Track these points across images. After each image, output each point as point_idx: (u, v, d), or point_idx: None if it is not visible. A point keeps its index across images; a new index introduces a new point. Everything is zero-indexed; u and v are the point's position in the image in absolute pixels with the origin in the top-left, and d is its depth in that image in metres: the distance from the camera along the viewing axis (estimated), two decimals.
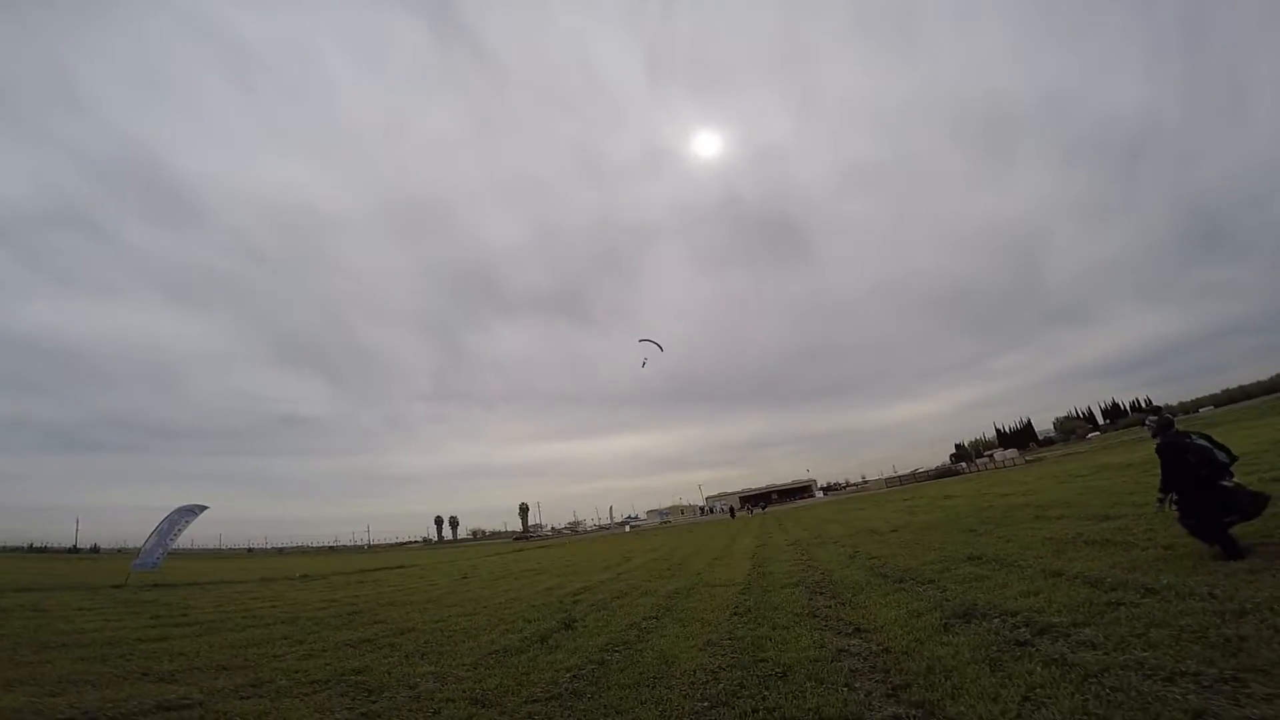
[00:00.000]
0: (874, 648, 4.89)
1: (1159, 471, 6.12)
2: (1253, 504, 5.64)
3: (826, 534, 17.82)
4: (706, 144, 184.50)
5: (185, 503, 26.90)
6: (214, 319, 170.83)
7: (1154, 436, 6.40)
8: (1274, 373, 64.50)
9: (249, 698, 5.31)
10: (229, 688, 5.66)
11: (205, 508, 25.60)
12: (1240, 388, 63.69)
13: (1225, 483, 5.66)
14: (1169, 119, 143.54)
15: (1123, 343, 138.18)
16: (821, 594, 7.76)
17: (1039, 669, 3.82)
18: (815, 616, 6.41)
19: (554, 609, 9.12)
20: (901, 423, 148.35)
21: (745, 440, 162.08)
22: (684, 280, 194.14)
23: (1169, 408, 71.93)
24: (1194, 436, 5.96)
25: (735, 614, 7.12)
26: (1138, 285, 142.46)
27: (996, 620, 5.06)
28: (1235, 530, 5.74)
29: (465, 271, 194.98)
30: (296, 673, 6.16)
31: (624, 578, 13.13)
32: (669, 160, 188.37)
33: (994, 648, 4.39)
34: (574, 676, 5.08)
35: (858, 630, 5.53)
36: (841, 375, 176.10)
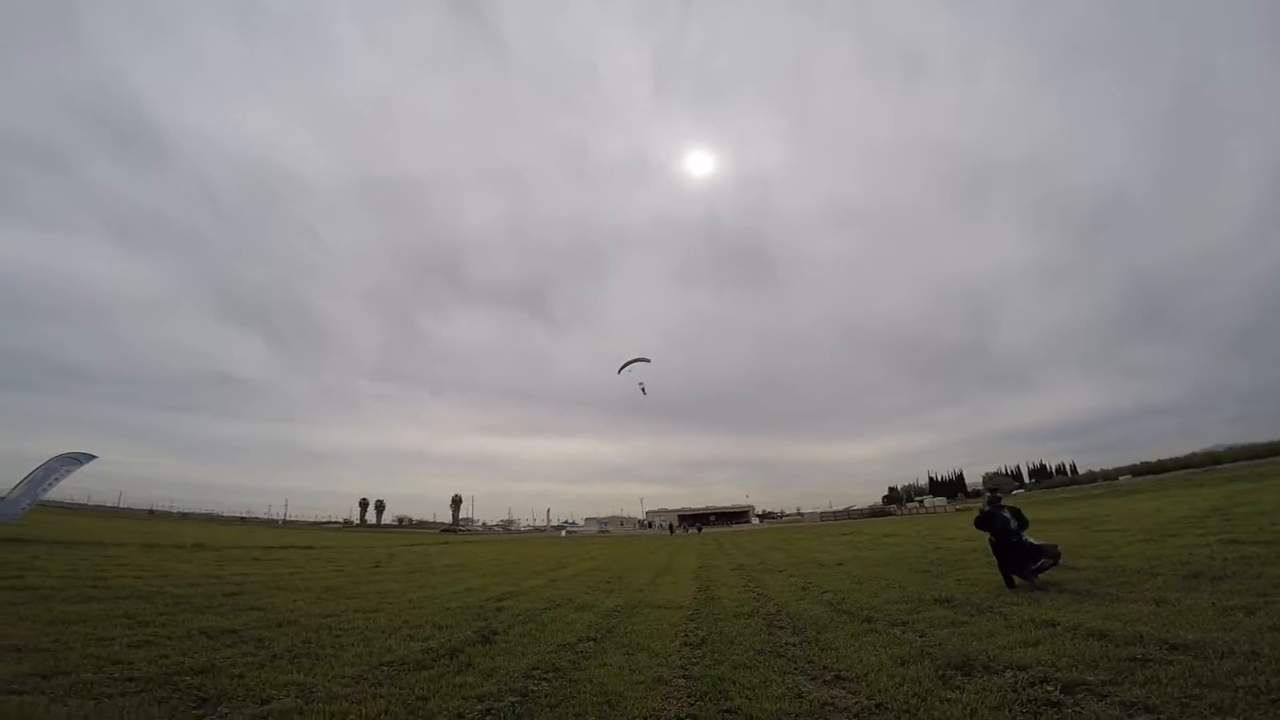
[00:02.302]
0: (864, 702, 3.95)
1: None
2: (1054, 553, 8.20)
3: (771, 561, 17.07)
4: (695, 160, 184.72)
5: (77, 450, 23.85)
6: (157, 264, 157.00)
7: (986, 505, 8.99)
8: (1186, 451, 70.60)
9: (23, 692, 3.89)
10: (6, 676, 4.20)
11: (92, 457, 22.59)
12: (1159, 461, 68.15)
13: (1025, 540, 8.24)
14: (1138, 191, 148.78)
15: (1054, 409, 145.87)
16: (781, 629, 6.83)
17: None
18: (780, 656, 5.45)
19: (472, 615, 7.81)
20: (840, 461, 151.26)
21: (689, 459, 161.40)
22: (651, 293, 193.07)
23: (1090, 473, 77.53)
24: (1005, 510, 8.61)
25: (687, 644, 6.08)
26: (1076, 356, 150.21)
27: (1008, 674, 4.24)
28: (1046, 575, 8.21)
29: (432, 254, 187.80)
30: (116, 664, 4.72)
31: (557, 586, 11.88)
32: (656, 171, 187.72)
33: (1019, 707, 3.57)
34: (487, 710, 3.89)
35: (838, 678, 4.59)
36: (790, 407, 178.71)
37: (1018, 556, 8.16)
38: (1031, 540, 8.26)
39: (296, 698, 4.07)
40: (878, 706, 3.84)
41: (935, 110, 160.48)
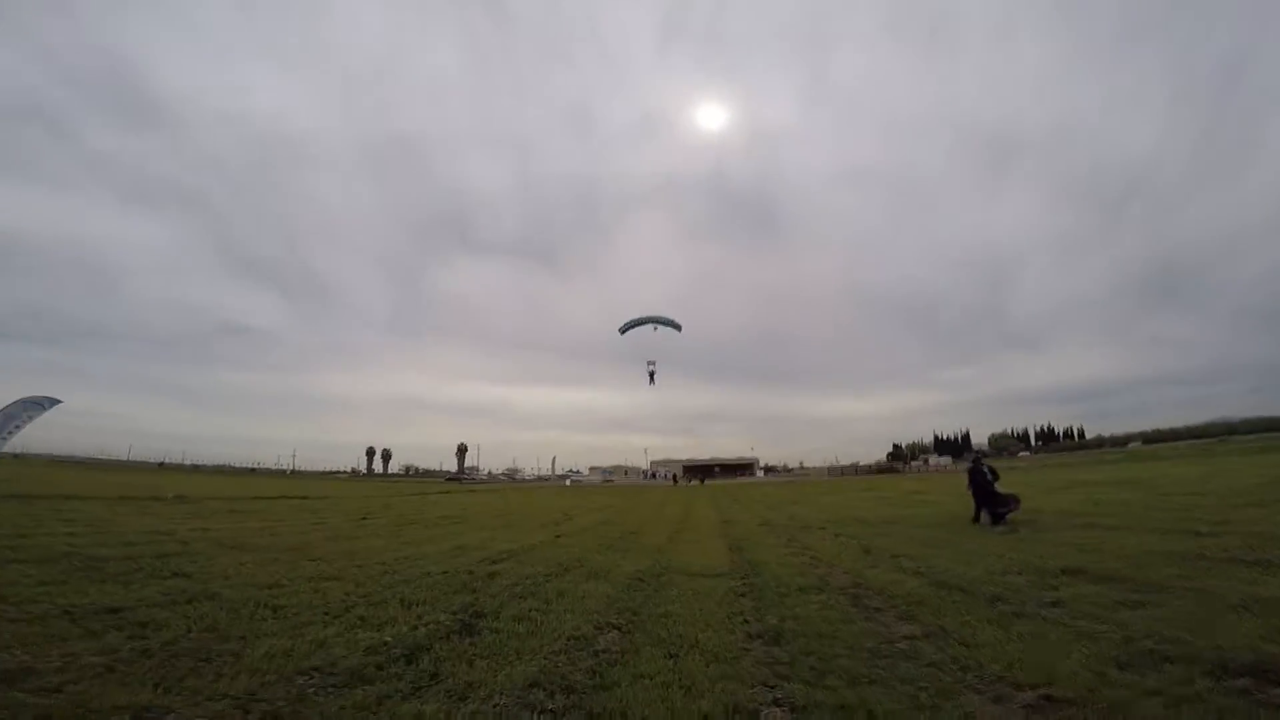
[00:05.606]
0: None
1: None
2: (1016, 501, 11.03)
3: (801, 518, 15.42)
4: (704, 115, 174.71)
5: (43, 395, 22.26)
6: (165, 225, 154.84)
7: (971, 463, 12.29)
8: (1195, 421, 70.62)
9: None
10: None
11: (56, 401, 21.14)
12: (1171, 429, 66.85)
13: (998, 490, 11.17)
14: (1171, 166, 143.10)
15: (1062, 375, 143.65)
16: (878, 611, 4.97)
17: None
18: (914, 659, 3.59)
19: (456, 587, 5.97)
20: (843, 417, 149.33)
21: (692, 412, 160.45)
22: (659, 246, 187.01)
23: (1099, 437, 79.08)
24: (985, 467, 11.67)
25: (752, 635, 4.25)
26: (1089, 324, 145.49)
27: None
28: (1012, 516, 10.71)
29: (438, 208, 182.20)
30: None
31: (563, 543, 10.17)
32: (663, 125, 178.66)
33: None
34: None
35: (1048, 700, 2.71)
36: (793, 363, 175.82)
37: (991, 500, 11.06)
38: (1001, 490, 11.17)
39: None
40: None
41: (962, 79, 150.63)
